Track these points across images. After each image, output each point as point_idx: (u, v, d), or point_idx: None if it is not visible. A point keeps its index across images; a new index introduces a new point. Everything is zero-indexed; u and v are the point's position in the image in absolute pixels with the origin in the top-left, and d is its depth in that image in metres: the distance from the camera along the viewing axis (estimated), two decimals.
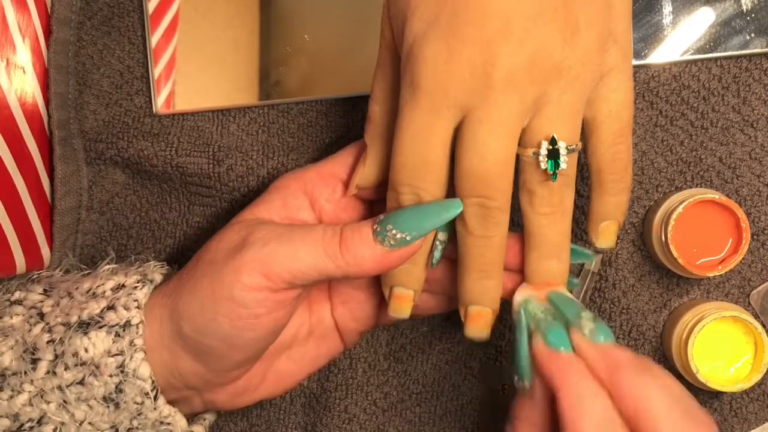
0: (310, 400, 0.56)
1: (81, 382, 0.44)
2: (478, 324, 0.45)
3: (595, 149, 0.44)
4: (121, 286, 0.46)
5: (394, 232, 0.42)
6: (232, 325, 0.43)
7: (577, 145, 0.42)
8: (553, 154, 0.41)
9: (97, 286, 0.46)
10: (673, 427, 0.36)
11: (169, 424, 0.46)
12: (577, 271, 0.54)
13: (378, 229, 0.42)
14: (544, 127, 0.41)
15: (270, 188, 0.48)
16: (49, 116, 0.53)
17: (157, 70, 0.54)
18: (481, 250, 0.43)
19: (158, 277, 0.48)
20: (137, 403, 0.45)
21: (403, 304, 0.46)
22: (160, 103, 0.55)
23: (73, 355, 0.44)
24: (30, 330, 0.45)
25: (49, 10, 0.53)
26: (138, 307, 0.45)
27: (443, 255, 0.45)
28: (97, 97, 0.55)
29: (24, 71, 0.51)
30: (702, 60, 0.53)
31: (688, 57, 0.53)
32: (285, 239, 0.43)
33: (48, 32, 0.53)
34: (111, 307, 0.45)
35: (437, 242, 0.45)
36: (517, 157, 0.42)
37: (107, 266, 0.49)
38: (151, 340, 0.45)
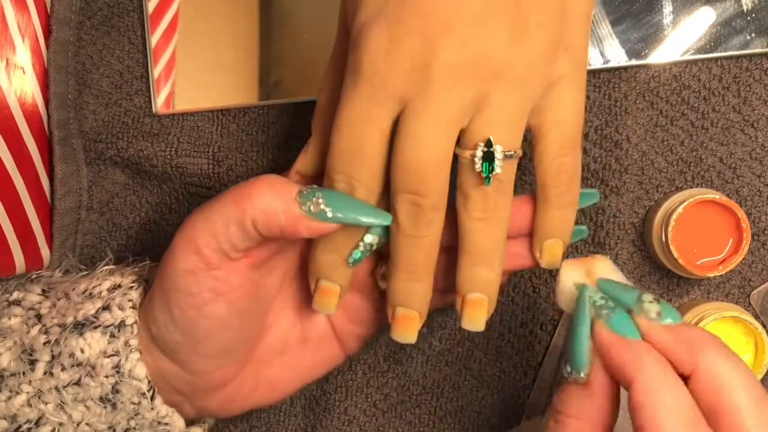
0: (310, 402, 0.56)
1: (78, 383, 0.44)
2: (405, 327, 0.44)
3: (540, 159, 0.43)
4: (117, 287, 0.46)
5: (320, 201, 0.41)
6: (184, 316, 0.43)
7: (516, 151, 0.41)
8: (488, 157, 0.40)
9: (94, 287, 0.46)
10: (758, 422, 0.35)
11: (167, 424, 0.46)
12: None
13: (305, 192, 0.41)
14: (483, 129, 0.40)
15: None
16: (49, 116, 0.53)
17: (156, 70, 0.54)
18: (410, 250, 0.42)
19: (154, 277, 0.47)
20: (134, 404, 0.45)
21: (327, 298, 0.44)
22: (159, 103, 0.55)
23: (69, 355, 0.44)
24: (28, 332, 0.45)
25: (48, 10, 0.53)
26: (133, 307, 0.45)
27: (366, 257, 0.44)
28: (97, 97, 0.55)
29: (23, 71, 0.51)
30: (702, 60, 0.53)
31: (688, 57, 0.53)
32: (202, 207, 0.42)
33: (48, 32, 0.53)
34: (106, 308, 0.45)
35: (361, 243, 0.43)
36: (457, 158, 0.41)
37: (105, 267, 0.48)
38: (141, 343, 0.45)
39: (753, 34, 0.53)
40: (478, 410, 0.55)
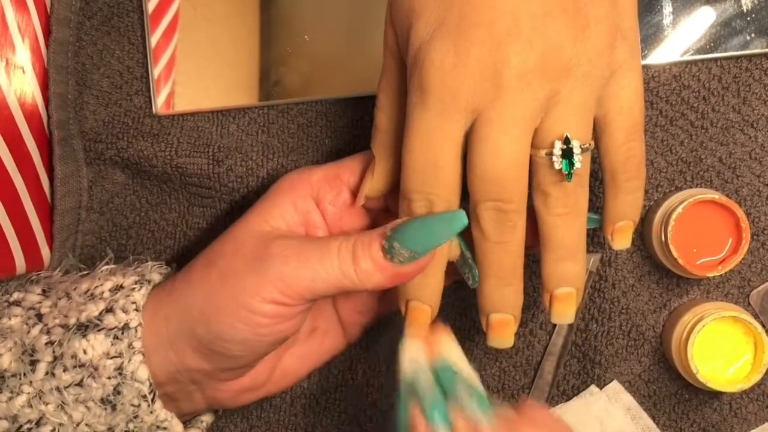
0: (310, 402, 0.56)
1: (80, 384, 0.44)
2: (502, 333, 0.45)
3: (607, 148, 0.43)
4: (119, 287, 0.46)
5: (402, 250, 0.42)
6: (251, 332, 0.43)
7: (590, 143, 0.41)
8: (567, 154, 0.41)
9: (96, 287, 0.46)
10: None
11: (165, 429, 0.46)
12: None
13: (386, 246, 0.42)
14: (557, 127, 0.41)
15: (277, 188, 0.48)
16: (49, 116, 0.53)
17: (156, 71, 0.54)
18: (498, 257, 0.43)
19: (156, 277, 0.48)
20: (134, 406, 0.45)
21: (419, 319, 0.45)
22: (159, 103, 0.55)
23: (72, 356, 0.44)
24: (29, 332, 0.45)
25: (48, 10, 0.53)
26: (137, 310, 0.45)
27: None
28: (97, 98, 0.55)
29: (23, 71, 0.51)
30: (702, 60, 0.53)
31: (688, 57, 0.53)
32: (304, 259, 0.43)
33: (47, 32, 0.53)
34: (109, 310, 0.45)
35: (468, 259, 0.45)
36: (530, 158, 0.41)
37: (105, 267, 0.49)
38: (155, 339, 0.45)
39: (753, 35, 0.53)
40: None
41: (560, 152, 0.41)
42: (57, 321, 0.45)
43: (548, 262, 0.44)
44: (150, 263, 0.49)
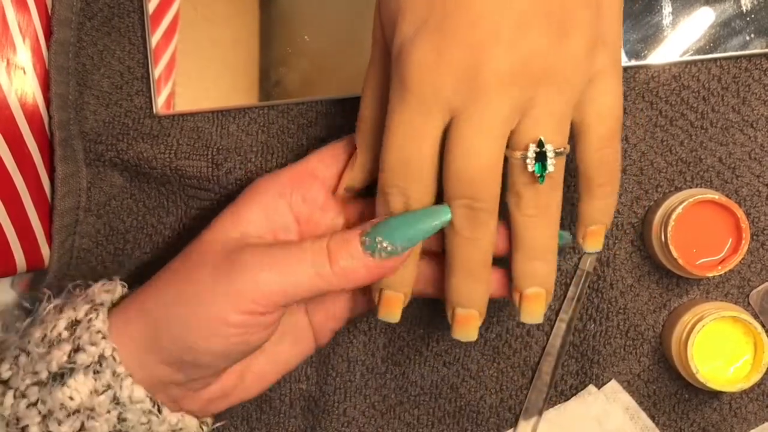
0: (308, 404, 0.56)
1: (82, 428, 0.43)
2: (466, 327, 0.45)
3: (583, 152, 0.44)
4: (76, 322, 0.45)
5: (384, 244, 0.42)
6: (224, 344, 0.43)
7: (564, 148, 0.42)
8: (541, 157, 0.41)
9: (51, 331, 0.45)
10: None
11: (181, 429, 0.46)
12: (572, 271, 0.54)
13: (367, 242, 0.42)
14: (532, 130, 0.41)
15: (246, 193, 0.48)
16: (50, 117, 0.53)
17: (157, 71, 0.55)
18: (468, 252, 0.43)
19: (106, 297, 0.47)
20: (144, 423, 0.45)
21: (393, 308, 0.45)
22: (160, 103, 0.55)
23: (61, 408, 0.43)
24: (2, 403, 0.44)
25: (49, 11, 0.53)
26: (104, 337, 0.44)
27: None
28: (98, 98, 0.55)
29: (24, 72, 0.51)
30: (702, 60, 0.53)
31: (687, 57, 0.53)
32: (274, 265, 0.43)
33: (48, 33, 0.53)
34: (78, 349, 0.44)
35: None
36: (506, 159, 0.42)
37: (48, 305, 0.47)
38: (128, 357, 0.44)
39: (752, 35, 0.53)
40: (476, 411, 0.55)
41: (534, 155, 0.41)
42: (27, 381, 0.44)
43: (518, 262, 0.44)
44: (94, 285, 0.48)
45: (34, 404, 0.43)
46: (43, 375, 0.44)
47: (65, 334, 0.44)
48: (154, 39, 0.55)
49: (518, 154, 0.41)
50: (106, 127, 0.55)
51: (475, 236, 0.42)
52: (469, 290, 0.44)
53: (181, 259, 0.46)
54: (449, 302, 0.45)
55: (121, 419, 0.44)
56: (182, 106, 0.55)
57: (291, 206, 0.47)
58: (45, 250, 0.54)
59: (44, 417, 0.43)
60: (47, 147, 0.53)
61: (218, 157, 0.54)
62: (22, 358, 0.45)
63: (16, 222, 0.51)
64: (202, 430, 0.48)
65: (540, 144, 0.41)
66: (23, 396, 0.44)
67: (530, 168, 0.41)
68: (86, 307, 0.46)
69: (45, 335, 0.45)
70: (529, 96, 0.40)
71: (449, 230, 0.43)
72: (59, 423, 0.43)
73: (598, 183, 0.44)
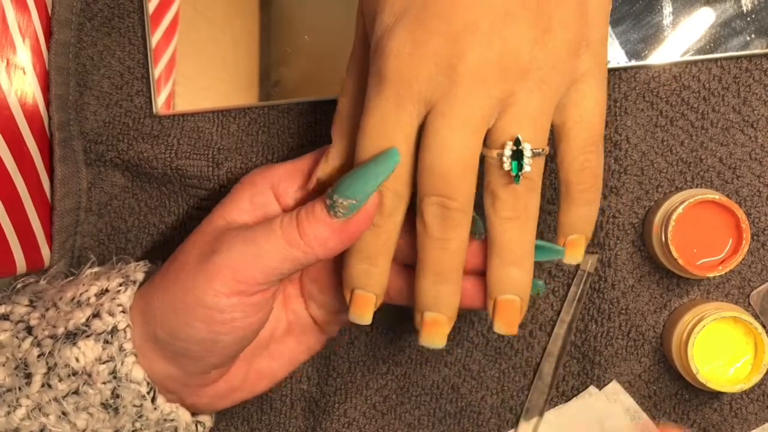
0: (309, 404, 0.56)
1: (77, 392, 0.44)
2: (433, 332, 0.43)
3: (563, 157, 0.42)
4: (105, 291, 0.46)
5: (341, 200, 0.41)
6: (208, 330, 0.43)
7: (543, 149, 0.40)
8: (517, 156, 0.40)
9: (81, 294, 0.46)
10: None
11: (172, 420, 0.46)
12: (573, 272, 0.54)
13: (329, 203, 0.42)
14: (509, 128, 0.40)
15: (237, 185, 0.48)
16: (50, 118, 0.53)
17: (157, 71, 0.55)
18: (438, 253, 0.42)
19: (141, 276, 0.47)
20: (136, 406, 0.45)
21: (363, 309, 0.44)
22: (160, 103, 0.55)
23: (65, 366, 0.44)
24: (20, 345, 0.45)
25: (49, 11, 0.53)
26: (123, 311, 0.44)
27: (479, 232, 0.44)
28: (98, 98, 0.55)
29: (24, 72, 0.51)
30: (702, 61, 0.53)
31: (688, 58, 0.53)
32: (249, 240, 0.42)
33: (48, 34, 0.53)
34: (96, 315, 0.44)
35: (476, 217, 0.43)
36: (483, 158, 0.41)
37: (89, 270, 0.48)
38: (139, 339, 0.45)
39: (753, 35, 0.53)
40: (477, 411, 0.55)
41: (510, 153, 0.40)
42: (46, 332, 0.45)
43: (493, 267, 0.43)
44: (133, 264, 0.49)
45: (44, 355, 0.44)
46: (59, 330, 0.44)
47: (93, 300, 0.45)
48: (154, 39, 0.55)
49: (494, 152, 0.40)
50: (106, 127, 0.55)
51: (446, 237, 0.41)
52: (438, 293, 0.42)
53: (177, 251, 0.46)
54: (417, 306, 0.43)
55: (115, 395, 0.44)
56: (182, 106, 0.55)
57: (279, 198, 0.47)
58: (45, 251, 0.54)
59: (49, 369, 0.44)
60: (47, 147, 0.53)
61: (219, 156, 0.54)
62: (51, 312, 0.46)
63: (16, 222, 0.51)
64: (197, 428, 0.48)
65: (517, 142, 0.40)
66: (38, 345, 0.44)
67: (506, 167, 0.40)
68: (119, 280, 0.46)
69: (75, 296, 0.46)
70: (507, 92, 0.39)
71: (420, 230, 0.42)
72: (60, 379, 0.44)
73: (579, 189, 0.43)
